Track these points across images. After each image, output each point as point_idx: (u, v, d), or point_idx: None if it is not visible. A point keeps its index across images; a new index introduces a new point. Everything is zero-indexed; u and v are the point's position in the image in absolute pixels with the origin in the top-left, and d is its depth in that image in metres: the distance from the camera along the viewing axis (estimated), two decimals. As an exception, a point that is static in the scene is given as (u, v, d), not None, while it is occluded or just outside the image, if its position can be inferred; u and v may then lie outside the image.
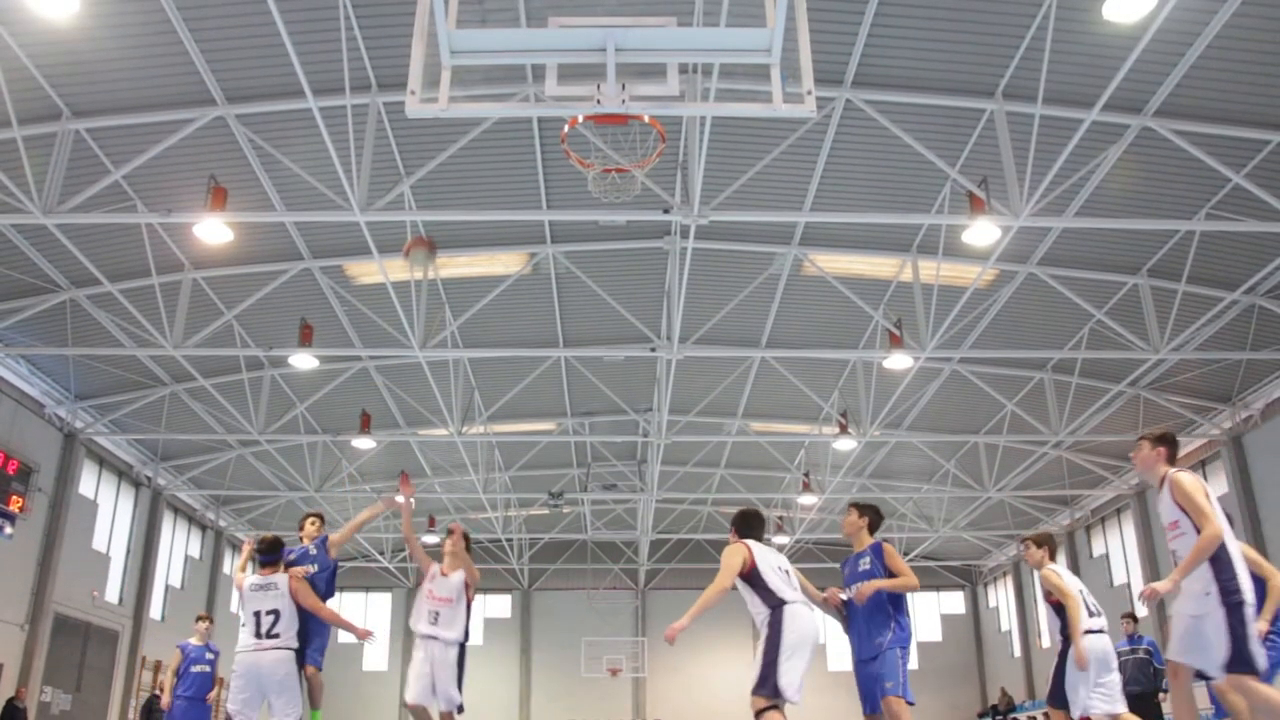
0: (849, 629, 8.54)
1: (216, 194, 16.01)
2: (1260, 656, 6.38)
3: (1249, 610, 6.42)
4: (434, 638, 9.31)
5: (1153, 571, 30.68)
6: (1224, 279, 20.63)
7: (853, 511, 8.84)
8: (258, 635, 9.00)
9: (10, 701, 22.81)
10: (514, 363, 25.32)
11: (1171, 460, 7.18)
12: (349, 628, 9.99)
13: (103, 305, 21.44)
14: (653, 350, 22.17)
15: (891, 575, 8.41)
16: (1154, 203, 18.48)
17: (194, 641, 12.80)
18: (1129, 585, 32.76)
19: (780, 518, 36.40)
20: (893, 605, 8.39)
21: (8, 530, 23.28)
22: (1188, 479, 6.79)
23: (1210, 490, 6.86)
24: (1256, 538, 25.71)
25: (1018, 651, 40.96)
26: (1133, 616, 16.35)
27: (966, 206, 16.41)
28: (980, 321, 22.01)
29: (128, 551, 30.28)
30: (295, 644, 9.24)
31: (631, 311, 21.76)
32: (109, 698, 28.60)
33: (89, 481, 28.10)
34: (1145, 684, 14.19)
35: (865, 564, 8.63)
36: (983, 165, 16.70)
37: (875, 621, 8.33)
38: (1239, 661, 6.37)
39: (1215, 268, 20.22)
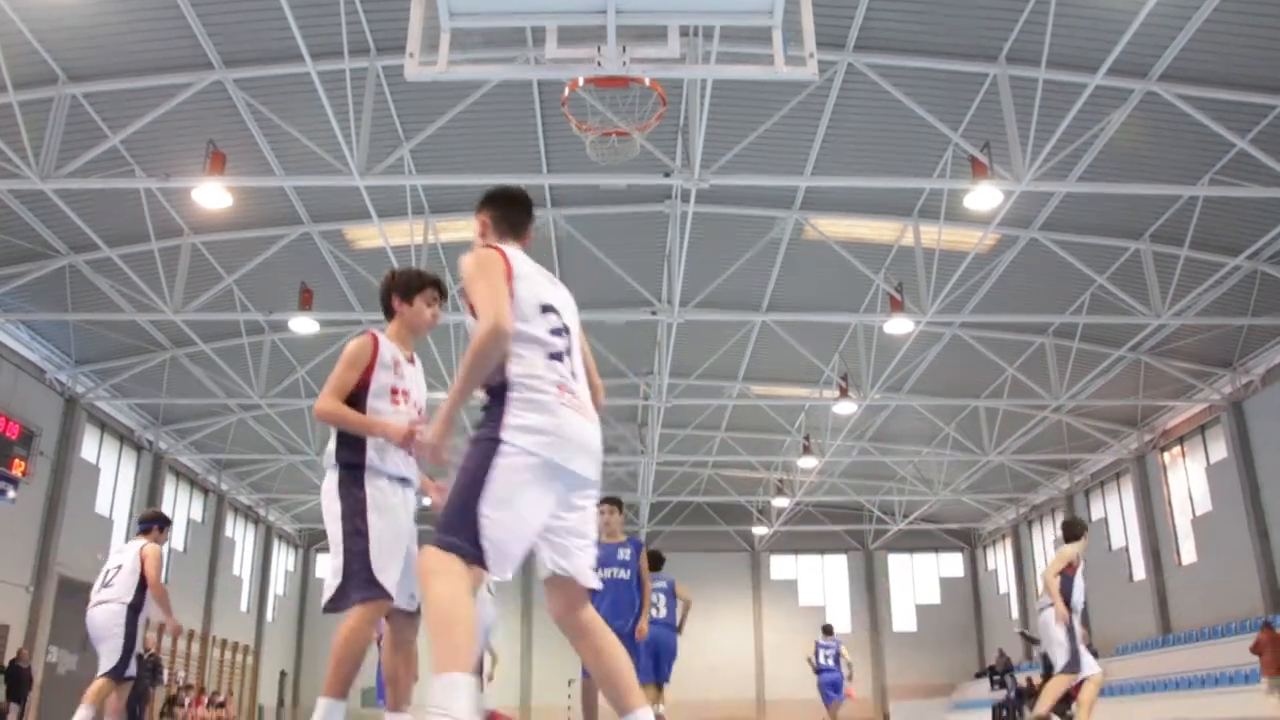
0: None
1: (215, 159, 15.92)
2: None
3: None
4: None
5: (1151, 536, 30.81)
6: (1226, 244, 20.56)
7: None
8: None
9: (14, 663, 22.99)
10: (514, 326, 25.25)
11: None
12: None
13: (102, 270, 21.39)
14: (653, 314, 22.13)
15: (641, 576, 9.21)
16: (1157, 167, 18.39)
17: None
18: (1127, 549, 32.89)
19: (780, 480, 36.50)
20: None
21: (10, 494, 23.35)
22: None
23: None
24: (1254, 503, 25.81)
25: (1015, 613, 41.19)
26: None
27: (968, 171, 16.33)
28: (981, 286, 21.97)
29: (130, 515, 30.37)
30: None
31: (632, 275, 21.70)
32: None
33: (90, 446, 28.14)
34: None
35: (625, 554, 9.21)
36: (985, 129, 16.59)
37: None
38: None
39: (1218, 233, 20.15)
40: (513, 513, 3.48)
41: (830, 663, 18.77)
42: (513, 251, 3.94)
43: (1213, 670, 24.05)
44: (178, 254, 20.65)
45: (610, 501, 9.29)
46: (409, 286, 5.46)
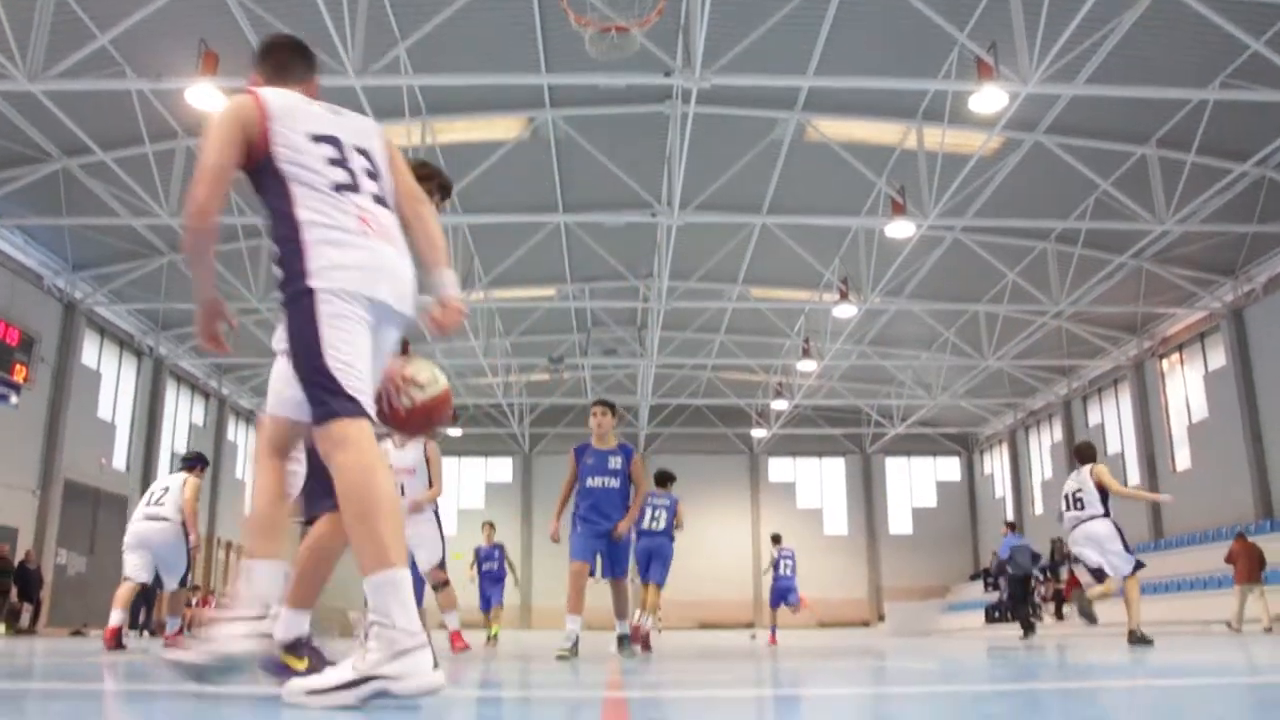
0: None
1: (207, 59, 15.60)
2: None
3: None
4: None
5: (1147, 442, 30.98)
6: (1234, 150, 20.29)
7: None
8: None
9: (22, 564, 23.35)
10: (513, 228, 25.08)
11: None
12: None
13: (96, 174, 21.14)
14: (653, 215, 21.95)
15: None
16: (1168, 70, 18.04)
17: None
18: (1122, 455, 33.09)
19: (780, 383, 36.58)
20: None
21: (13, 399, 23.43)
22: None
23: None
24: (1250, 410, 25.89)
25: (1011, 517, 41.61)
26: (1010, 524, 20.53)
27: (974, 72, 15.99)
28: (984, 190, 21.74)
29: (132, 420, 30.52)
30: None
31: (632, 176, 21.47)
32: (121, 560, 29.16)
33: (91, 351, 28.16)
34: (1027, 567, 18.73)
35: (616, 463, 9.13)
36: (992, 30, 16.21)
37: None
38: None
39: (1226, 138, 19.85)
40: (354, 355, 3.27)
41: (788, 572, 19.28)
42: (270, 91, 3.55)
43: (1203, 574, 24.35)
44: (172, 157, 20.39)
45: (602, 404, 9.27)
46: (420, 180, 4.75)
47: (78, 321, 26.64)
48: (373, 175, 3.55)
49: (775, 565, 19.47)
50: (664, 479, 12.77)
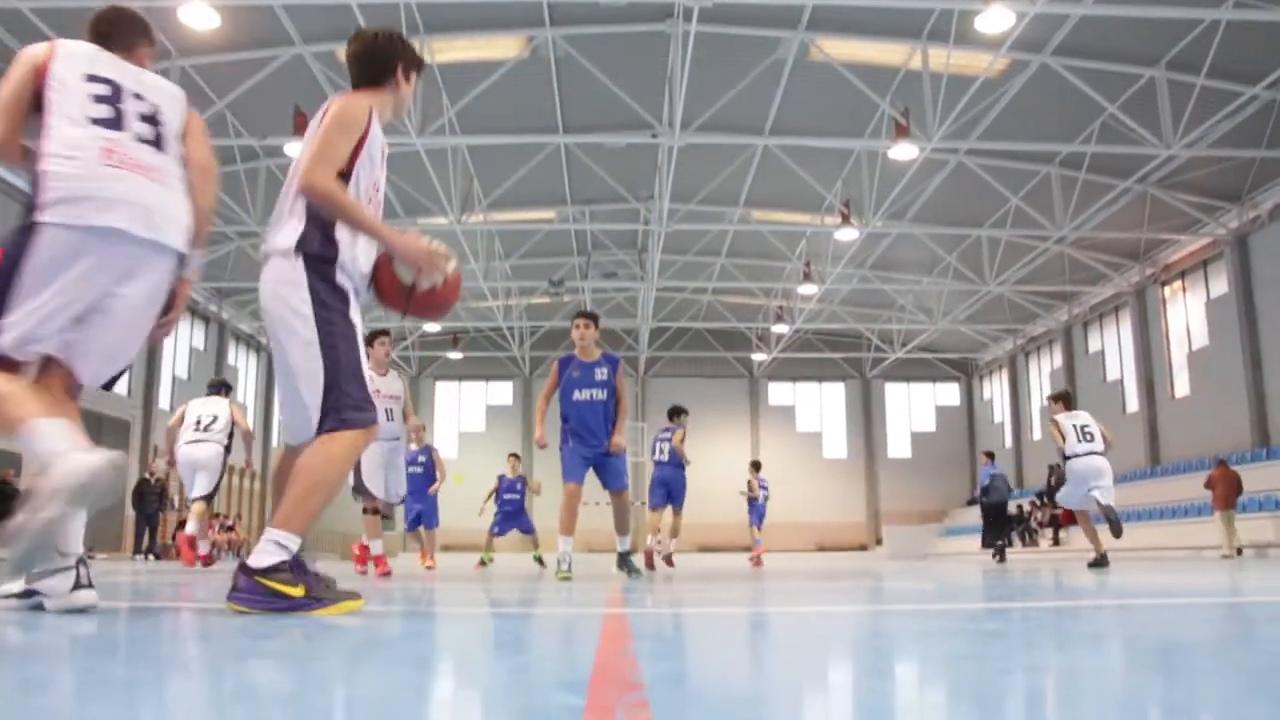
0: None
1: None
2: None
3: None
4: (393, 437, 10.05)
5: (1147, 369, 31.00)
6: (1245, 73, 19.99)
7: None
8: None
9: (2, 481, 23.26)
10: (513, 150, 24.85)
11: None
12: None
13: (89, 87, 20.86)
14: (654, 137, 21.73)
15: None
16: (1179, -11, 17.74)
17: None
18: (1122, 382, 33.15)
19: (780, 307, 36.53)
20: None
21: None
22: None
23: None
24: (1251, 338, 25.86)
25: (1009, 443, 41.83)
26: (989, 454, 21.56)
27: (982, -8, 15.75)
28: (989, 113, 21.50)
29: (133, 343, 30.53)
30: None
31: (633, 97, 21.22)
32: (124, 484, 29.38)
33: (90, 273, 28.07)
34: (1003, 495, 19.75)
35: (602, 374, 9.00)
36: (1001, -53, 15.93)
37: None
38: None
39: (1237, 60, 19.54)
40: (50, 296, 3.36)
41: (762, 500, 20.25)
42: (71, 40, 3.73)
43: (1199, 500, 24.51)
44: (166, 76, 20.04)
45: (585, 316, 9.11)
46: (417, 63, 4.32)
47: (74, 244, 26.53)
48: (152, 125, 3.69)
49: (756, 490, 20.19)
50: (673, 413, 14.16)
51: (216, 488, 11.55)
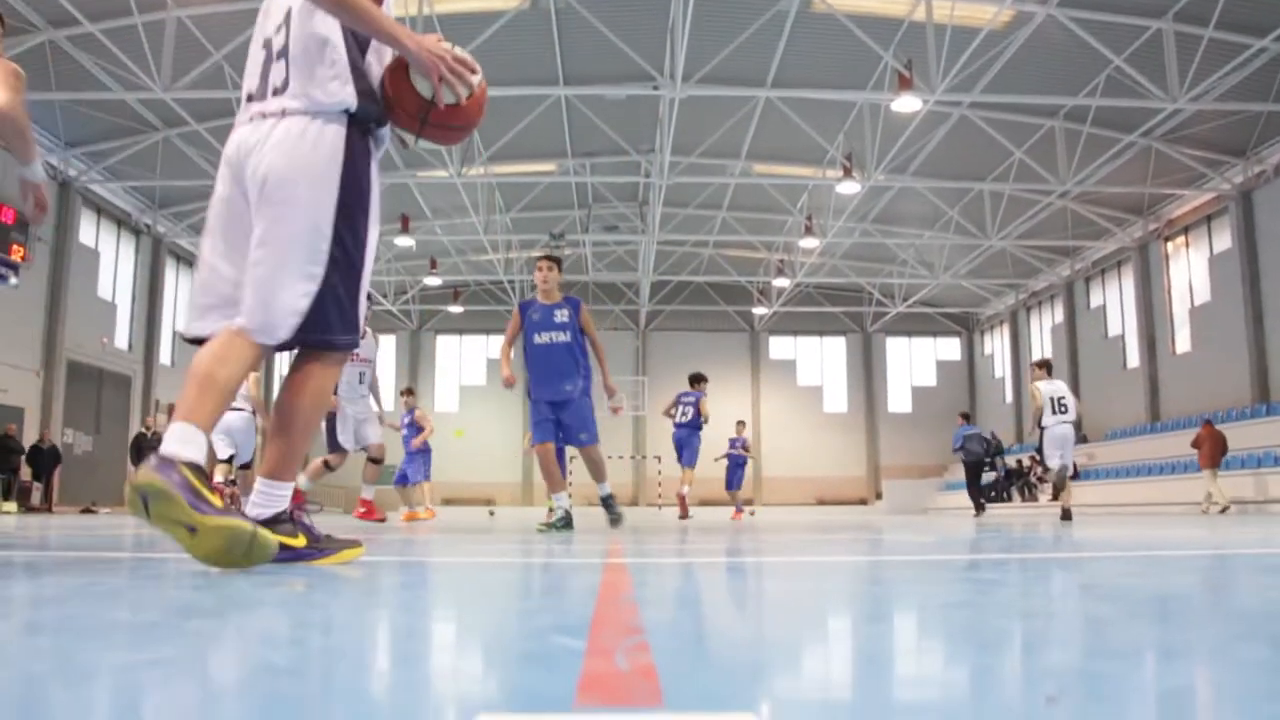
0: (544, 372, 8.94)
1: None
2: None
3: None
4: (362, 396, 10.71)
5: (1148, 325, 30.99)
6: (1253, 24, 19.82)
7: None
8: None
9: (35, 445, 23.66)
10: (513, 102, 24.67)
11: None
12: None
13: (84, 47, 20.69)
14: (655, 89, 21.57)
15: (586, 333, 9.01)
16: (1186, -60, 17.55)
17: None
18: (1123, 337, 33.15)
19: (781, 261, 36.46)
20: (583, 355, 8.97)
21: (13, 280, 23.34)
22: None
23: None
24: (1253, 293, 25.81)
25: (1009, 398, 41.91)
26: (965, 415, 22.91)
27: (988, -58, 15.58)
28: (993, 65, 21.31)
29: (133, 299, 30.47)
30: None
31: (634, 48, 21.05)
32: (127, 438, 29.50)
33: (88, 230, 27.98)
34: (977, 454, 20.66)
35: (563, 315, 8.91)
36: (1008, -104, 15.75)
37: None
38: None
39: (1245, 12, 19.38)
40: None
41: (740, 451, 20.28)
42: None
43: (1195, 456, 24.58)
44: (163, 29, 19.91)
45: (548, 259, 8.96)
46: None
47: (73, 200, 26.40)
48: None
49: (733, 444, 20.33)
50: (695, 380, 16.64)
51: (255, 453, 12.44)
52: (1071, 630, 1.85)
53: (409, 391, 17.04)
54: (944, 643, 1.75)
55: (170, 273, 32.54)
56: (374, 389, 10.83)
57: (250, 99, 3.33)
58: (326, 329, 3.18)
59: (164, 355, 32.07)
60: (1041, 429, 13.32)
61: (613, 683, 1.24)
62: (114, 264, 29.55)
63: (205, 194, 29.90)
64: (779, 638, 1.84)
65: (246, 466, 12.28)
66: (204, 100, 23.01)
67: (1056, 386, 13.50)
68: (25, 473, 23.58)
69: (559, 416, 8.78)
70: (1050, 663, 1.51)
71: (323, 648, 1.63)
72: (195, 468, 2.85)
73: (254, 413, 12.33)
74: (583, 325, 8.87)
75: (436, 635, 1.93)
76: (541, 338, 8.79)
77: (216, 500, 2.83)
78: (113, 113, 24.11)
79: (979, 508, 20.02)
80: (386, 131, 3.43)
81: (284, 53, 3.28)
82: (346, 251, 3.20)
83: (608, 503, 9.14)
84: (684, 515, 15.70)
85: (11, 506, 21.99)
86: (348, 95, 3.22)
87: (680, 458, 16.77)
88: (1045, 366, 13.84)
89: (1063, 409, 13.31)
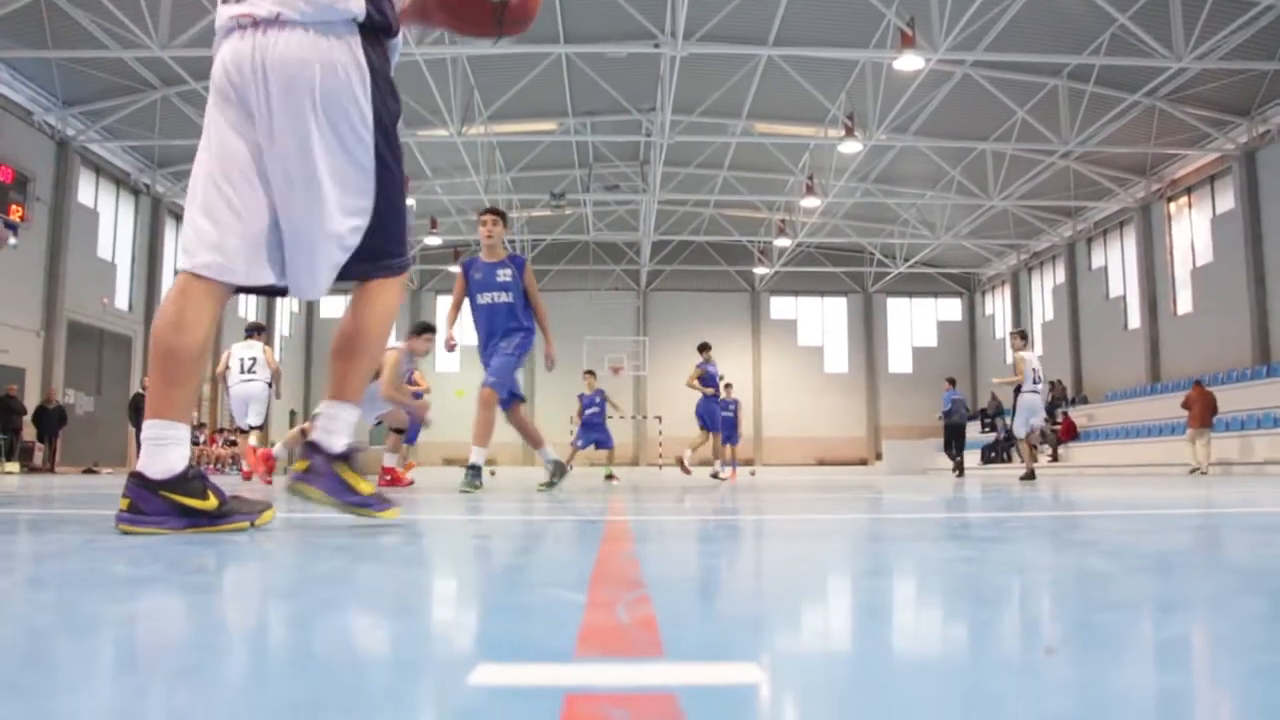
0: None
1: None
2: None
3: None
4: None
5: (1150, 286, 30.93)
6: (1259, -19, 19.67)
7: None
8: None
9: (41, 405, 23.72)
10: (514, 60, 24.52)
11: None
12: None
13: (81, 4, 20.48)
14: (656, 47, 21.43)
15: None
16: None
17: None
18: (1124, 298, 33.09)
19: (782, 221, 36.35)
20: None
21: (12, 240, 23.29)
22: None
23: None
24: (1255, 254, 25.74)
25: (1010, 359, 41.85)
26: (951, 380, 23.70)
27: (993, -103, 15.41)
28: (997, 23, 21.15)
29: (133, 259, 30.38)
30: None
31: (635, 6, 20.88)
32: (128, 399, 29.53)
33: (87, 190, 27.83)
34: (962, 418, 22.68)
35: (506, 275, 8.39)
36: None
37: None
38: None
39: (1250, -31, 19.23)
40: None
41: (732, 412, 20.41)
42: None
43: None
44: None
45: (492, 212, 8.43)
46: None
47: (71, 159, 26.26)
48: None
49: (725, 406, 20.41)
50: (700, 348, 17.29)
51: (265, 418, 13.48)
52: (1068, 585, 1.86)
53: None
54: (943, 597, 1.76)
55: (170, 233, 32.40)
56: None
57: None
58: (386, 255, 3.18)
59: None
60: (1018, 393, 14.55)
61: (613, 634, 1.24)
62: (113, 224, 29.43)
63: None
64: (780, 592, 1.85)
65: (260, 428, 13.34)
66: (202, 58, 22.82)
67: (1034, 357, 14.83)
68: (29, 433, 23.65)
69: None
70: (1048, 615, 1.52)
71: (323, 601, 1.64)
72: (345, 456, 3.18)
73: (270, 383, 13.48)
74: (526, 285, 8.37)
75: (437, 590, 1.94)
76: (484, 298, 8.31)
77: (364, 486, 3.19)
78: (110, 71, 23.95)
79: (959, 469, 21.58)
80: (399, 41, 3.18)
81: None
82: (389, 169, 3.08)
83: (557, 469, 8.59)
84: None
85: (14, 467, 22.06)
86: (355, 3, 2.97)
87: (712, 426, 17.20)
88: (1024, 336, 15.15)
89: (1038, 379, 14.69)
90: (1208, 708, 0.95)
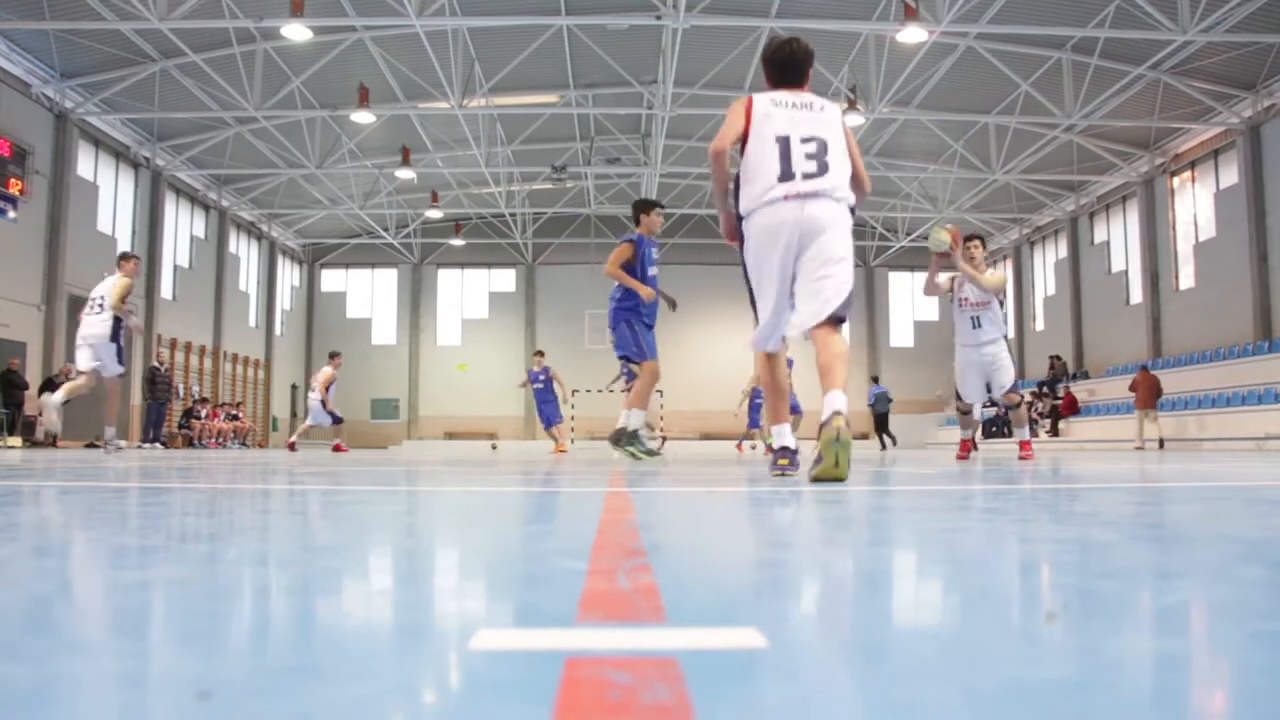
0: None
1: None
2: None
3: None
4: None
5: (1152, 260, 30.85)
6: (1265, -47, 19.52)
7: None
8: None
9: (49, 379, 23.71)
10: (515, 31, 24.39)
11: None
12: None
13: (76, -28, 20.40)
14: (658, 18, 21.31)
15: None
16: None
17: None
18: (1126, 273, 33.03)
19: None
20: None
21: (11, 214, 23.23)
22: None
23: None
24: (1259, 230, 25.67)
25: (1011, 333, 41.86)
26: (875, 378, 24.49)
27: None
28: (1002, -5, 21.03)
29: (133, 233, 30.29)
30: None
31: (636, -22, 20.78)
32: (130, 373, 29.53)
33: (86, 163, 27.71)
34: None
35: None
36: None
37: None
38: None
39: (1257, -59, 19.09)
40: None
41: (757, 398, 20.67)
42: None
43: (1197, 393, 24.64)
44: (155, -46, 19.61)
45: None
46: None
47: (70, 132, 26.13)
48: None
49: (756, 394, 20.70)
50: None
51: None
52: (1068, 553, 1.87)
53: (540, 353, 18.86)
54: (943, 565, 1.77)
55: (170, 206, 32.34)
56: None
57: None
58: (846, 306, 5.00)
59: (165, 289, 31.96)
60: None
61: (615, 600, 1.25)
62: (113, 197, 29.35)
63: (204, 126, 29.69)
64: (782, 560, 1.86)
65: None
66: (201, 30, 22.74)
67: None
68: (32, 407, 23.64)
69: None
70: (1047, 582, 1.52)
71: (327, 568, 1.65)
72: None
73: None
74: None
75: (440, 557, 1.95)
76: (652, 270, 10.49)
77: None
78: (109, 43, 23.83)
79: (884, 446, 23.94)
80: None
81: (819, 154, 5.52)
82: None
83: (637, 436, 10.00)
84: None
85: (16, 441, 22.08)
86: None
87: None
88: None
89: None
90: (1204, 672, 0.95)
